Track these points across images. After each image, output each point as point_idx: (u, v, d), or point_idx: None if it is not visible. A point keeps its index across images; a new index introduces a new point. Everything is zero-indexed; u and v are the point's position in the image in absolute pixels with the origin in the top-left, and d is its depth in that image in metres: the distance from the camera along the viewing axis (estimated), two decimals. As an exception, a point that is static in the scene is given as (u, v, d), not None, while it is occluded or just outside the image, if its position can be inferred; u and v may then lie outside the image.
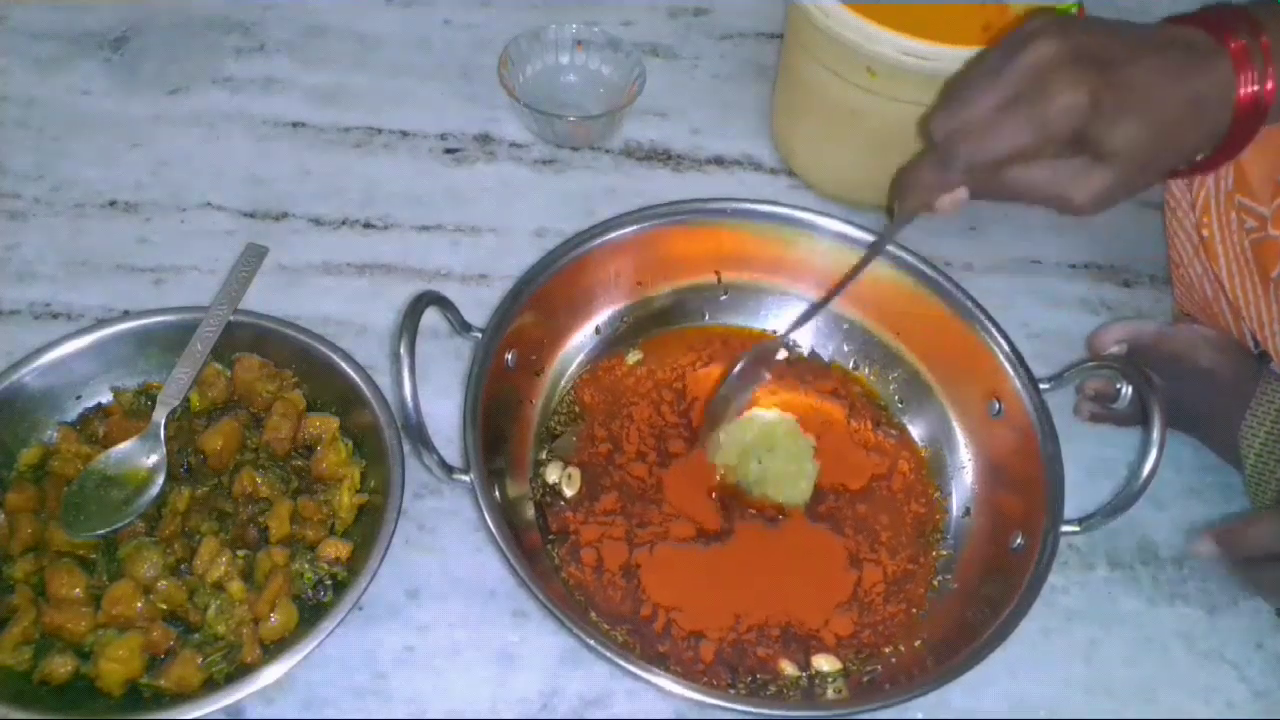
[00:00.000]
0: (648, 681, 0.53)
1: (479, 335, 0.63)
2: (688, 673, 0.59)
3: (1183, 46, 0.53)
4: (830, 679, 0.61)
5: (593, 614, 0.62)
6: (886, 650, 0.62)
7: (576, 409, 0.70)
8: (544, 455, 0.68)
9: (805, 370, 0.73)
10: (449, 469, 0.57)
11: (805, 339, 0.74)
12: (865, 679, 0.61)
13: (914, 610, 0.64)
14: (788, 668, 0.61)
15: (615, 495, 0.66)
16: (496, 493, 0.60)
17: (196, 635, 0.58)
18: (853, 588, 0.64)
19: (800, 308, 0.74)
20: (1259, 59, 0.52)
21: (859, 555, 0.65)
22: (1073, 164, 0.53)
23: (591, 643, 0.53)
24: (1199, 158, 0.56)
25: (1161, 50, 0.53)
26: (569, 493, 0.66)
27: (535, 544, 0.64)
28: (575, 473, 0.67)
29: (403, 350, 0.56)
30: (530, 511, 0.65)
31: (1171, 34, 0.54)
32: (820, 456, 0.67)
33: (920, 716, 0.61)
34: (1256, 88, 0.52)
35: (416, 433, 0.56)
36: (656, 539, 0.64)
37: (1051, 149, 0.53)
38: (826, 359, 0.74)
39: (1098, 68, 0.51)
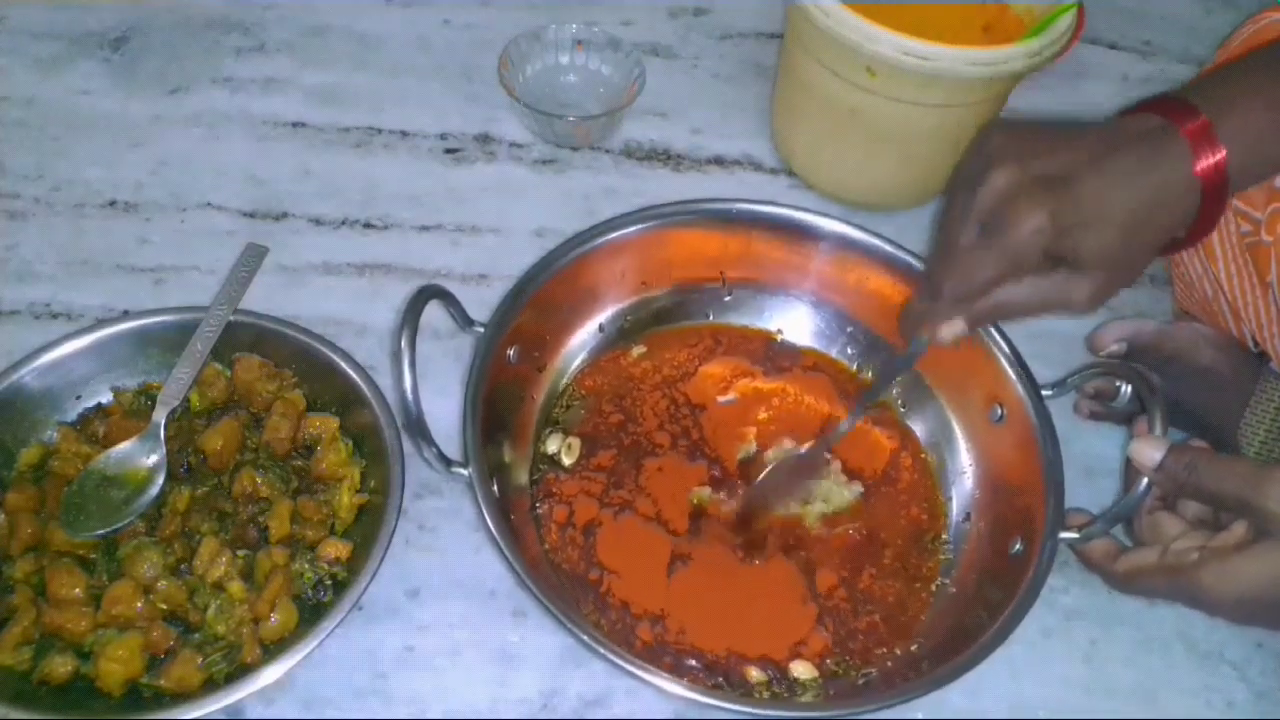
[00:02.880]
0: (647, 681, 0.53)
1: (481, 330, 0.63)
2: (638, 654, 0.59)
3: (1138, 138, 0.55)
4: (806, 686, 0.60)
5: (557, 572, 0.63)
6: (882, 653, 0.62)
7: (580, 395, 0.70)
8: (546, 430, 0.68)
9: (808, 368, 0.73)
10: (448, 462, 0.57)
11: (806, 340, 0.74)
12: (862, 680, 0.61)
13: (912, 614, 0.64)
14: (754, 673, 0.61)
15: (613, 452, 0.67)
16: (495, 487, 0.60)
17: (196, 635, 0.58)
18: (811, 624, 0.63)
19: (801, 308, 0.74)
20: (1208, 135, 0.54)
21: (831, 576, 0.64)
22: (1058, 276, 0.56)
23: (591, 642, 0.53)
24: (1180, 236, 0.58)
25: (1117, 150, 0.55)
26: (568, 462, 0.67)
27: (531, 535, 0.64)
28: (575, 442, 0.68)
29: (404, 343, 0.56)
30: (528, 505, 0.65)
31: (1125, 128, 0.56)
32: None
33: (920, 716, 0.61)
34: (1212, 160, 0.54)
35: (416, 425, 0.56)
36: (625, 506, 0.65)
37: (1028, 270, 0.56)
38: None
39: (1053, 188, 0.54)
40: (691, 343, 0.74)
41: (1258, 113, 0.55)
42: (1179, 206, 0.55)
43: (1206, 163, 0.54)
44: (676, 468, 0.67)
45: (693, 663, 0.60)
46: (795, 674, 0.61)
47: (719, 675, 0.60)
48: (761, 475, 0.67)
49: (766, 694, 0.60)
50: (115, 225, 0.78)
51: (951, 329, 0.59)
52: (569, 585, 0.63)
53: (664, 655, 0.61)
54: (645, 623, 0.61)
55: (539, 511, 0.65)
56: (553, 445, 0.68)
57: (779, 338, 0.74)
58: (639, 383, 0.71)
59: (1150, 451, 0.58)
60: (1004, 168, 0.55)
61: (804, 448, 0.68)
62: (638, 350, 0.73)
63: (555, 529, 0.65)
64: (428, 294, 0.59)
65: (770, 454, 0.68)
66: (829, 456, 0.68)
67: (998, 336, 0.66)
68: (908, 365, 0.63)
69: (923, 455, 0.70)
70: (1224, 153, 0.54)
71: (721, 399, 0.71)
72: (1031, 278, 0.56)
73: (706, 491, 0.66)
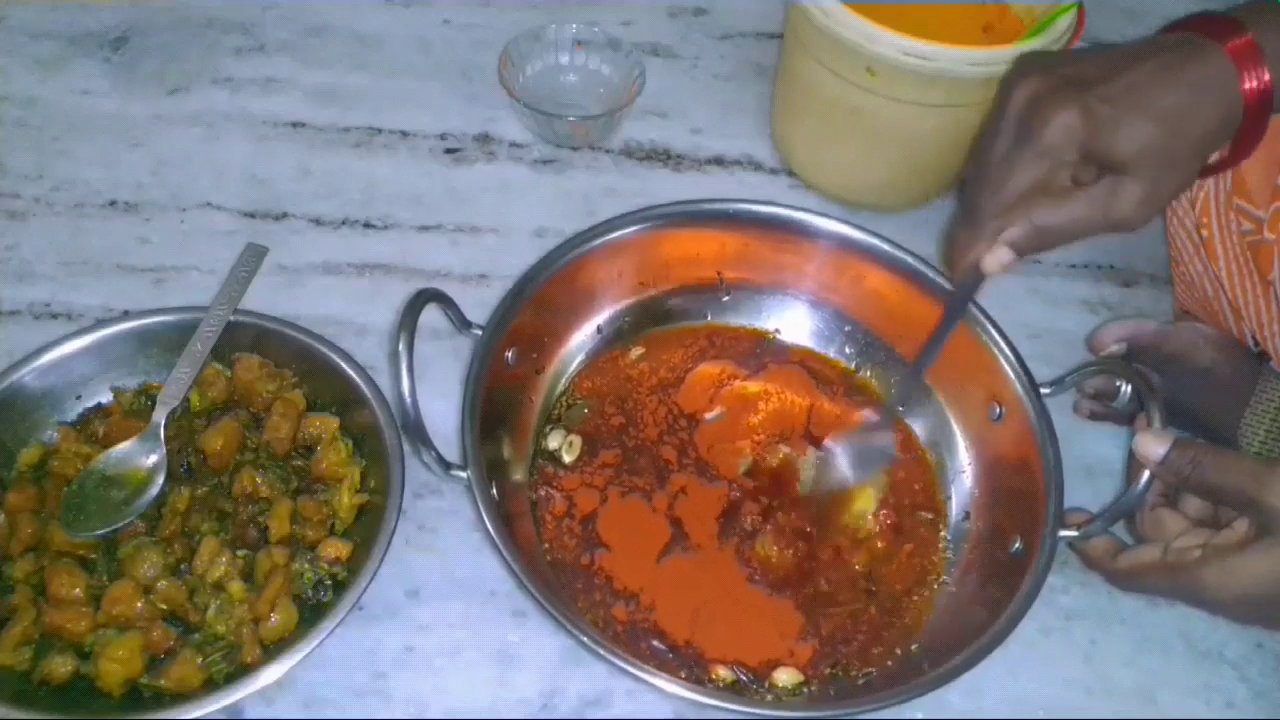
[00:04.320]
0: (647, 682, 0.53)
1: (479, 332, 0.63)
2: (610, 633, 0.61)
3: (1171, 47, 0.54)
4: (788, 691, 0.60)
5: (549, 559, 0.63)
6: (882, 653, 0.62)
7: (578, 397, 0.70)
8: (547, 428, 0.69)
9: (785, 362, 0.73)
10: (447, 465, 0.57)
11: (805, 339, 0.74)
12: (862, 680, 0.61)
13: (912, 613, 0.64)
14: (722, 672, 0.61)
15: (616, 452, 0.67)
16: (494, 490, 0.60)
17: (196, 635, 0.58)
18: (795, 636, 0.62)
19: (801, 309, 0.74)
20: (1253, 53, 0.53)
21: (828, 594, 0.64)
22: (1101, 186, 0.54)
23: (590, 643, 0.53)
24: (1221, 153, 0.57)
25: (1147, 56, 0.54)
26: (568, 459, 0.67)
27: (530, 534, 0.64)
28: (576, 439, 0.68)
29: (401, 346, 0.56)
30: (527, 502, 0.66)
31: (1158, 41, 0.55)
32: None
33: (920, 716, 0.61)
34: (1256, 82, 0.53)
35: (414, 429, 0.56)
36: (636, 489, 0.66)
37: (1066, 176, 0.54)
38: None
39: (1080, 87, 0.53)
40: (687, 343, 0.74)
41: None
42: (1219, 109, 0.53)
43: (1251, 82, 0.53)
44: (698, 490, 0.67)
45: (656, 644, 0.61)
46: (777, 681, 0.60)
47: (688, 666, 0.60)
48: (826, 455, 0.66)
49: (732, 690, 0.60)
50: (115, 225, 0.78)
51: (997, 258, 0.56)
52: (564, 575, 0.63)
53: (636, 636, 0.61)
54: (622, 601, 0.62)
55: (537, 509, 0.65)
56: (554, 442, 0.68)
57: (773, 337, 0.74)
58: (637, 385, 0.71)
59: (1154, 445, 0.58)
60: (1029, 78, 0.54)
61: (870, 429, 0.68)
62: (636, 352, 0.73)
63: (552, 521, 0.65)
64: (425, 298, 0.59)
65: (803, 458, 0.67)
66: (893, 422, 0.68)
67: (997, 335, 0.66)
68: (964, 305, 0.60)
69: (922, 454, 0.70)
70: (1266, 71, 0.52)
71: (709, 416, 0.70)
72: (1075, 191, 0.54)
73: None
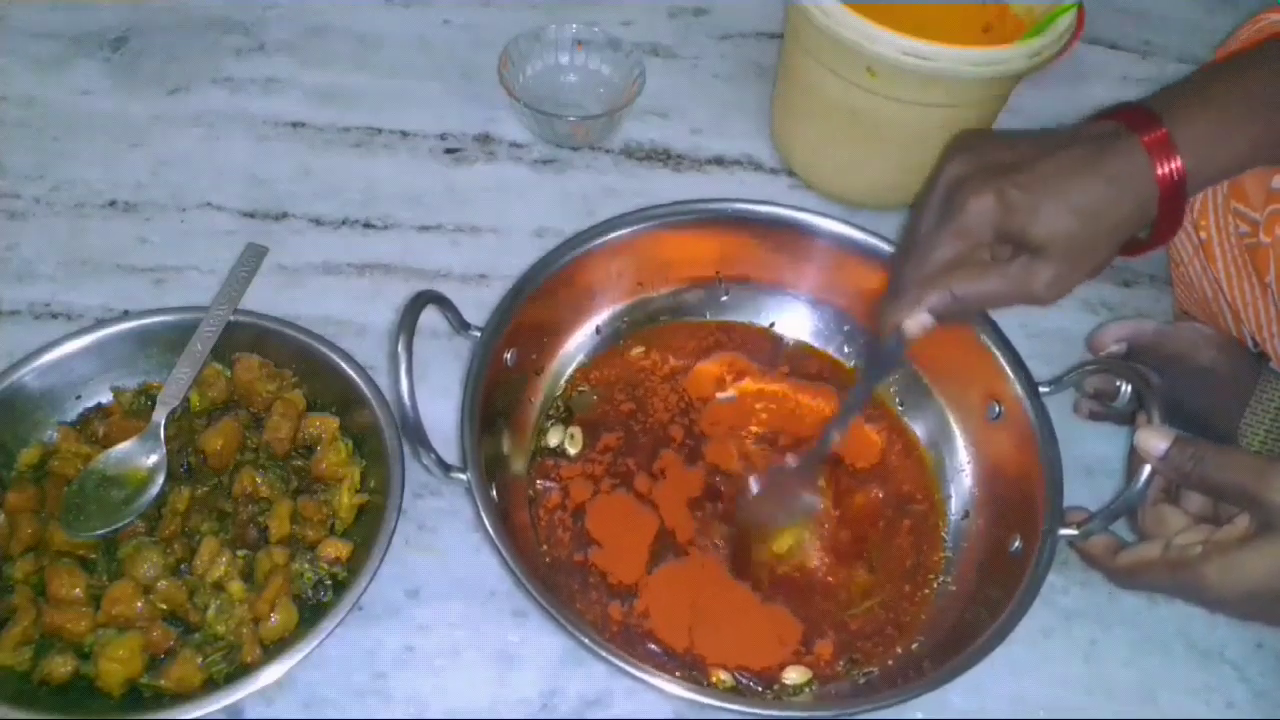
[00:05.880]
0: (647, 682, 0.53)
1: (478, 334, 0.63)
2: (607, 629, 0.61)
3: (1091, 137, 0.57)
4: (797, 689, 0.60)
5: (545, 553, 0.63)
6: (881, 653, 0.62)
7: (585, 388, 0.70)
8: (548, 423, 0.69)
9: (804, 364, 0.73)
10: (446, 467, 0.57)
11: (805, 339, 0.74)
12: (862, 680, 0.61)
13: (911, 613, 0.64)
14: (722, 675, 0.61)
15: (618, 434, 0.68)
16: (494, 491, 0.60)
17: (196, 635, 0.58)
18: (796, 642, 0.62)
19: (800, 309, 0.74)
20: (1166, 145, 0.56)
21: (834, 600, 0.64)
22: (1018, 264, 0.57)
23: (590, 643, 0.53)
24: (1143, 235, 0.59)
25: (1067, 146, 0.56)
26: (572, 452, 0.68)
27: (530, 535, 0.64)
28: (578, 431, 0.68)
29: (400, 348, 0.56)
30: (526, 501, 0.66)
31: (1081, 131, 0.58)
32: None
33: (920, 716, 0.61)
34: (1169, 171, 0.56)
35: (414, 431, 0.56)
36: (622, 482, 0.66)
37: (984, 253, 0.57)
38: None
39: (1001, 171, 0.56)
40: (699, 336, 0.74)
41: (1211, 121, 0.56)
42: (1134, 199, 0.56)
43: (1164, 170, 0.55)
44: (676, 471, 0.67)
45: (652, 647, 0.61)
46: (787, 679, 0.60)
47: (688, 670, 0.60)
48: (753, 492, 0.67)
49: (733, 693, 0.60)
50: (115, 225, 0.78)
51: (917, 321, 0.58)
52: (560, 574, 0.63)
53: (631, 639, 0.61)
54: (617, 601, 0.62)
55: (536, 508, 0.65)
56: (554, 439, 0.68)
57: (786, 338, 0.74)
58: (648, 374, 0.72)
59: (1156, 441, 0.58)
60: (957, 159, 0.58)
61: (794, 462, 0.68)
62: (636, 350, 0.73)
63: (546, 515, 0.65)
64: (424, 300, 0.59)
65: (752, 477, 0.68)
66: (820, 472, 0.68)
67: (996, 335, 0.66)
68: (888, 366, 0.63)
69: (920, 453, 0.70)
70: (1179, 161, 0.55)
71: (721, 395, 0.71)
72: (992, 266, 0.57)
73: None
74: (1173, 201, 0.56)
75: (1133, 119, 0.57)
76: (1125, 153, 0.56)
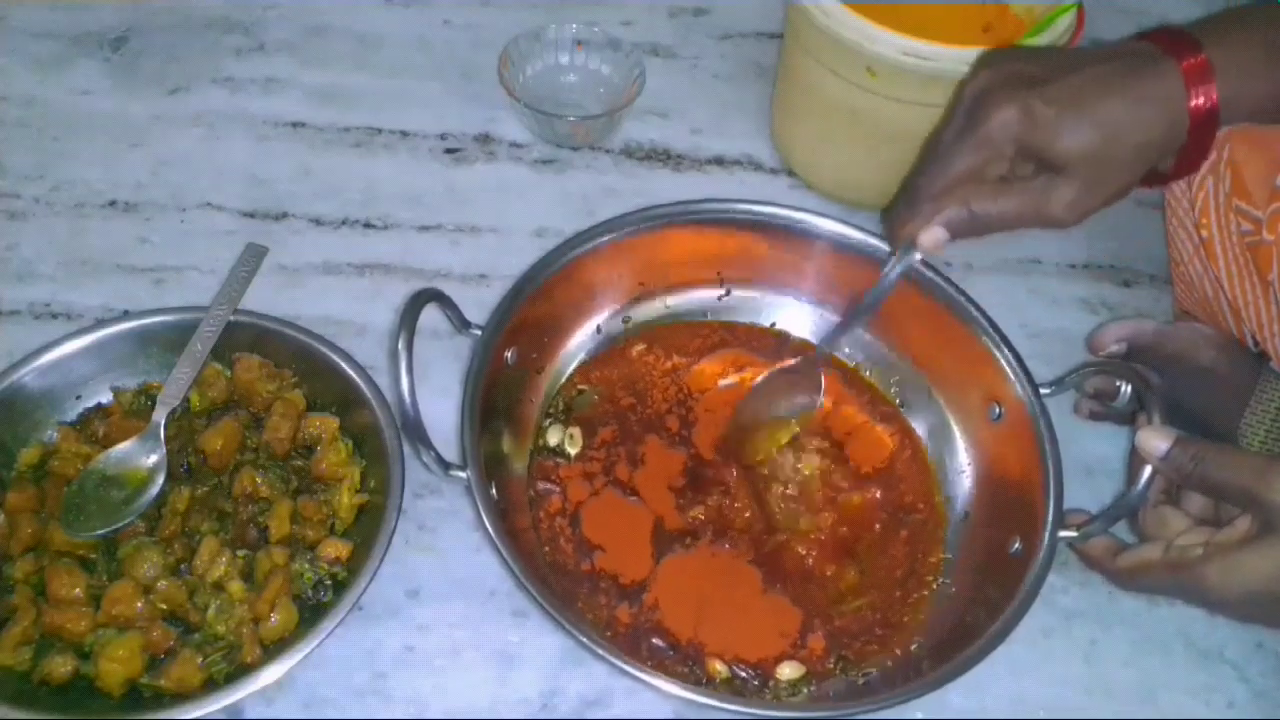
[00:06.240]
0: (646, 682, 0.53)
1: (478, 332, 0.63)
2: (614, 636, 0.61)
3: (1124, 56, 0.56)
4: (793, 686, 0.60)
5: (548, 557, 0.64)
6: (882, 653, 0.62)
7: (584, 387, 0.70)
8: (548, 422, 0.69)
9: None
10: (446, 465, 0.57)
11: (806, 338, 0.74)
12: (862, 680, 0.61)
13: (911, 613, 0.64)
14: (718, 667, 0.61)
15: (612, 428, 0.68)
16: (494, 489, 0.60)
17: (196, 635, 0.58)
18: (796, 632, 0.63)
19: (802, 308, 0.74)
20: (1204, 72, 0.54)
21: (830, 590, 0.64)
22: (1038, 183, 0.56)
23: (589, 643, 0.53)
24: (1165, 166, 0.58)
25: (1099, 62, 0.55)
26: (572, 452, 0.68)
27: (530, 534, 0.64)
28: (577, 431, 0.68)
29: (401, 346, 0.56)
30: (527, 501, 0.66)
31: (1114, 49, 0.57)
32: (834, 443, 0.70)
33: (920, 716, 0.61)
34: (1203, 100, 0.55)
35: (414, 429, 0.56)
36: (608, 482, 0.66)
37: (1003, 168, 0.56)
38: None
39: (1027, 84, 0.55)
40: (701, 336, 0.74)
41: (1254, 51, 0.55)
42: (1164, 124, 0.55)
43: (1198, 98, 0.54)
44: (659, 456, 0.68)
45: (658, 642, 0.61)
46: (780, 675, 0.60)
47: (687, 662, 0.60)
48: (753, 389, 0.68)
49: (728, 688, 0.60)
50: (115, 225, 0.78)
51: (931, 235, 0.58)
52: (564, 578, 0.63)
53: (638, 636, 0.61)
54: (626, 602, 0.62)
55: (536, 508, 0.65)
56: (554, 437, 0.68)
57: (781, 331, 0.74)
58: (649, 370, 0.72)
59: (1157, 441, 0.58)
60: (984, 71, 0.57)
61: (797, 373, 0.69)
62: (637, 348, 0.73)
63: (547, 520, 0.65)
64: (424, 298, 0.59)
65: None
66: (821, 375, 0.68)
67: (997, 335, 0.66)
68: (894, 281, 0.63)
69: (922, 453, 0.70)
70: (1215, 90, 0.54)
71: (723, 382, 0.71)
72: (1011, 184, 0.56)
73: None
74: (1203, 130, 0.55)
75: (1172, 43, 0.55)
76: (1160, 75, 0.54)
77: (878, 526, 0.67)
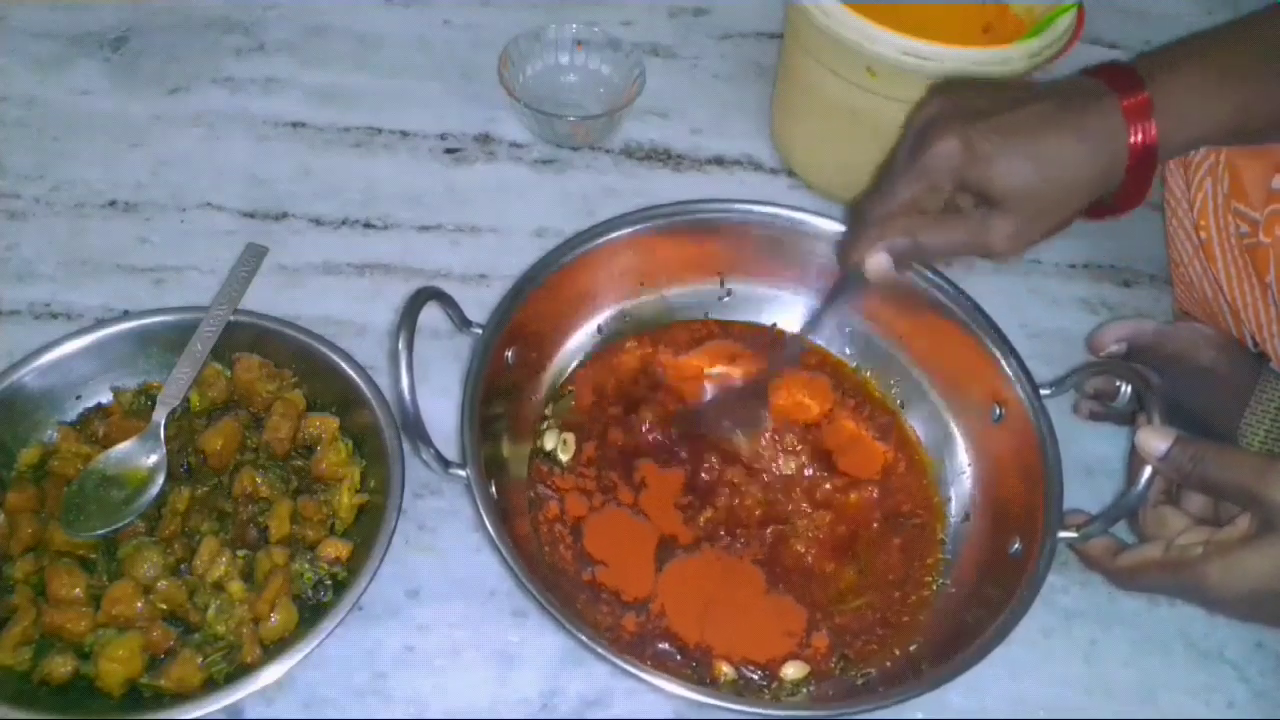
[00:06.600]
0: (647, 682, 0.53)
1: (479, 331, 0.63)
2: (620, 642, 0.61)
3: (1068, 93, 0.57)
4: (795, 686, 0.60)
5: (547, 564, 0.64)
6: (881, 653, 0.62)
7: (573, 391, 0.70)
8: (544, 426, 0.69)
9: (804, 360, 0.73)
10: (446, 463, 0.57)
11: (806, 337, 0.74)
12: (861, 680, 0.61)
13: (911, 613, 0.64)
14: (725, 668, 0.61)
15: (600, 445, 0.68)
16: (493, 488, 0.60)
17: (196, 635, 0.58)
18: (801, 630, 0.63)
19: (801, 308, 0.74)
20: (1144, 110, 0.55)
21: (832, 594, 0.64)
22: (976, 215, 0.57)
23: (589, 642, 0.53)
24: (1109, 199, 0.59)
25: (1043, 99, 0.56)
26: (564, 458, 0.67)
27: (530, 534, 0.64)
28: (570, 437, 0.68)
29: (401, 344, 0.56)
30: (526, 502, 0.66)
31: (1060, 84, 0.58)
32: (824, 452, 0.69)
33: (920, 716, 0.61)
34: (1142, 136, 0.55)
35: (414, 426, 0.56)
36: (611, 498, 0.66)
37: (940, 199, 0.57)
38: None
39: (969, 118, 0.56)
40: (701, 335, 0.74)
41: (1204, 81, 0.56)
42: (1102, 161, 0.55)
43: (1136, 136, 0.55)
44: (658, 476, 0.67)
45: (665, 646, 0.61)
46: (785, 674, 0.60)
47: (692, 664, 0.60)
48: (705, 401, 0.69)
49: (733, 689, 0.60)
50: (115, 225, 0.78)
51: (875, 261, 0.59)
52: (564, 582, 0.63)
53: (644, 642, 0.61)
54: (632, 612, 0.62)
55: (535, 508, 0.65)
56: (549, 442, 0.68)
57: (783, 331, 0.74)
58: (637, 374, 0.72)
59: (1157, 441, 0.58)
60: (931, 103, 0.58)
61: (744, 379, 0.70)
62: (633, 351, 0.73)
63: (547, 525, 0.65)
64: (425, 296, 0.59)
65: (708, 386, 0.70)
66: (768, 395, 0.69)
67: (997, 336, 0.66)
68: (841, 296, 0.64)
69: (921, 455, 0.70)
70: (1154, 128, 0.55)
71: (711, 370, 0.72)
72: (952, 216, 0.57)
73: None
74: (1141, 167, 0.56)
75: (1116, 79, 0.56)
76: (1101, 112, 0.55)
77: (874, 526, 0.67)
